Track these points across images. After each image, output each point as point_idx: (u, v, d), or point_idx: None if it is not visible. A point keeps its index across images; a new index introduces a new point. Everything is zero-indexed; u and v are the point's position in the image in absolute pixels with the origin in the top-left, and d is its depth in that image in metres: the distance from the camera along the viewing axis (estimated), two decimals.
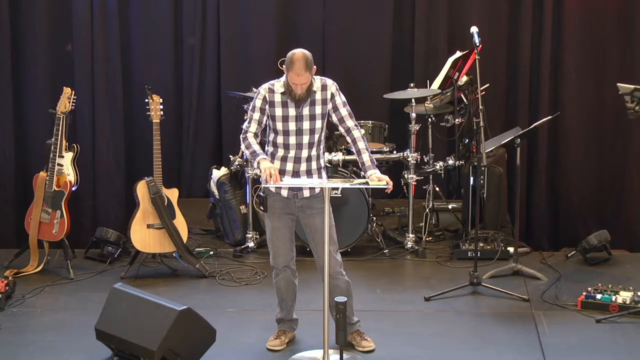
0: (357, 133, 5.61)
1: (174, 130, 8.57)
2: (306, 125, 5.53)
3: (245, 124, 5.63)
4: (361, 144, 5.59)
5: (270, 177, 5.37)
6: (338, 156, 7.39)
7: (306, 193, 5.57)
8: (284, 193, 5.58)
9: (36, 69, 7.84)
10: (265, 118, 5.58)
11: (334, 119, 5.61)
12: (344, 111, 5.60)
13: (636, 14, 7.68)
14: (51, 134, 6.97)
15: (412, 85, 7.59)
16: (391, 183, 5.45)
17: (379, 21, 8.43)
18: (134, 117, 8.07)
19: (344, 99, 5.61)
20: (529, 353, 5.73)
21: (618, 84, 6.21)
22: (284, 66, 5.48)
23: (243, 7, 8.41)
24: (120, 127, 7.91)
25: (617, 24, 7.76)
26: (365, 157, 5.57)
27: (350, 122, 5.61)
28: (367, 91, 8.44)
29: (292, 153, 5.55)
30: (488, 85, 7.78)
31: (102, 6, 7.72)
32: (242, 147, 5.67)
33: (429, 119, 7.80)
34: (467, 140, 7.80)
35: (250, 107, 5.62)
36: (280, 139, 5.55)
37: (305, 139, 5.54)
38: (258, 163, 5.49)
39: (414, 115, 7.39)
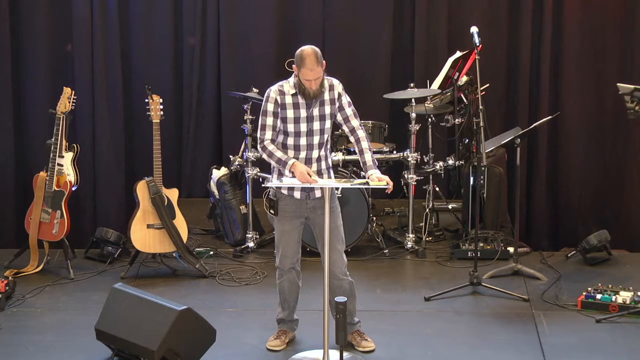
0: (361, 133, 5.62)
1: (174, 130, 8.57)
2: (316, 125, 5.53)
3: (259, 132, 5.56)
4: (364, 144, 5.59)
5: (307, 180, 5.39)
6: (338, 156, 7.39)
7: (318, 193, 5.57)
8: (297, 195, 5.57)
9: (36, 69, 7.84)
10: (278, 122, 5.54)
11: (339, 118, 5.61)
12: (349, 111, 5.61)
13: (636, 14, 7.68)
14: (51, 134, 6.97)
15: (412, 85, 7.59)
16: (391, 183, 5.45)
17: (379, 21, 8.44)
18: (134, 117, 8.07)
19: (349, 99, 5.63)
20: (529, 353, 5.73)
21: (618, 84, 6.21)
22: (293, 66, 5.47)
23: (243, 7, 8.41)
24: (120, 127, 7.91)
25: (617, 24, 7.76)
26: (367, 157, 5.57)
27: (355, 122, 5.62)
28: (367, 91, 8.43)
29: (303, 154, 5.54)
30: (488, 85, 7.78)
31: (102, 6, 7.72)
32: (264, 156, 5.56)
33: (429, 119, 7.80)
34: (467, 140, 7.80)
35: (262, 112, 5.55)
36: (291, 141, 5.54)
37: (316, 139, 5.54)
38: (291, 171, 5.44)
39: (414, 115, 7.39)
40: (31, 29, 7.80)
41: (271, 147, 5.52)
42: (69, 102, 6.96)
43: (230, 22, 8.41)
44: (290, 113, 5.52)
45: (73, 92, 7.01)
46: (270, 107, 5.52)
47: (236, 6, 8.41)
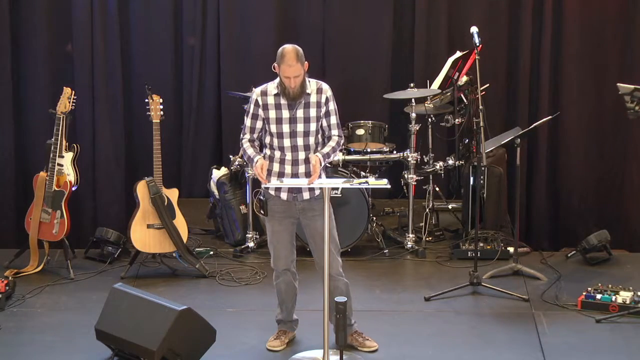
0: (335, 138, 5.60)
1: (174, 130, 8.57)
2: (300, 127, 5.52)
3: (242, 131, 5.65)
4: (331, 142, 5.58)
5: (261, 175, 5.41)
6: (338, 156, 7.38)
7: (306, 195, 5.56)
8: (284, 196, 5.57)
9: (36, 69, 7.84)
10: (260, 123, 5.58)
11: (324, 124, 5.59)
12: (333, 119, 5.60)
13: (636, 14, 7.68)
14: (51, 134, 6.97)
15: (412, 85, 7.59)
16: (315, 178, 5.40)
17: (379, 21, 8.43)
18: (134, 117, 8.07)
19: (335, 106, 5.61)
20: (529, 353, 5.73)
21: (618, 84, 6.22)
22: (275, 64, 5.47)
23: (243, 7, 8.41)
24: (120, 127, 7.92)
25: (617, 24, 7.76)
26: (325, 148, 5.56)
27: (335, 131, 5.61)
28: (367, 91, 8.44)
29: (288, 155, 5.54)
30: (488, 85, 7.78)
31: (102, 6, 7.73)
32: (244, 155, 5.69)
33: (429, 119, 7.80)
34: (467, 140, 7.80)
35: (246, 112, 5.63)
36: (275, 142, 5.55)
37: (300, 141, 5.53)
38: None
39: (414, 115, 7.39)
40: (31, 29, 7.80)
41: (246, 145, 5.60)
42: (69, 102, 6.96)
43: (230, 22, 8.41)
44: (272, 114, 5.52)
45: (73, 92, 7.01)
46: (251, 108, 5.58)
47: (236, 6, 8.41)
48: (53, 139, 6.94)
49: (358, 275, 6.89)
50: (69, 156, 7.00)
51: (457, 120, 7.71)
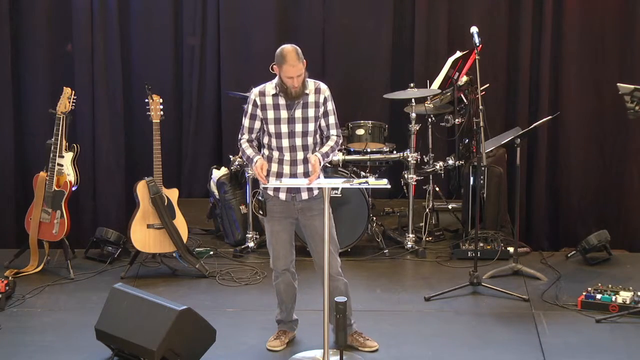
0: (334, 138, 5.60)
1: (174, 130, 8.57)
2: (299, 127, 5.52)
3: (240, 132, 5.64)
4: (330, 142, 5.58)
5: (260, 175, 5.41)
6: (338, 156, 7.38)
7: (304, 195, 5.56)
8: (282, 196, 5.57)
9: (36, 69, 7.84)
10: (258, 123, 5.57)
11: (322, 124, 5.59)
12: (332, 119, 5.59)
13: (636, 13, 7.68)
14: (51, 134, 6.97)
15: (412, 85, 7.59)
16: (314, 178, 5.40)
17: (379, 21, 8.44)
18: (134, 117, 8.07)
19: (334, 106, 5.60)
20: (529, 353, 5.73)
21: (618, 84, 6.21)
22: (274, 65, 5.47)
23: (243, 7, 8.41)
24: (120, 127, 7.92)
25: (617, 24, 7.76)
26: (324, 147, 5.55)
27: (333, 131, 5.61)
28: (367, 91, 8.44)
29: (287, 156, 5.54)
30: (488, 85, 7.78)
31: (102, 6, 7.73)
32: (242, 156, 5.67)
33: (429, 119, 7.80)
34: (467, 140, 7.80)
35: (244, 113, 5.62)
36: (274, 142, 5.55)
37: (298, 141, 5.53)
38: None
39: (414, 115, 7.39)
40: (31, 29, 7.80)
41: (245, 145, 5.59)
42: (69, 102, 6.96)
43: (230, 22, 8.41)
44: (270, 114, 5.52)
45: (73, 92, 7.01)
46: (249, 108, 5.58)
47: (236, 6, 8.41)
48: (53, 139, 6.94)
49: (358, 275, 6.89)
50: (69, 156, 7.00)
51: (457, 120, 7.71)
